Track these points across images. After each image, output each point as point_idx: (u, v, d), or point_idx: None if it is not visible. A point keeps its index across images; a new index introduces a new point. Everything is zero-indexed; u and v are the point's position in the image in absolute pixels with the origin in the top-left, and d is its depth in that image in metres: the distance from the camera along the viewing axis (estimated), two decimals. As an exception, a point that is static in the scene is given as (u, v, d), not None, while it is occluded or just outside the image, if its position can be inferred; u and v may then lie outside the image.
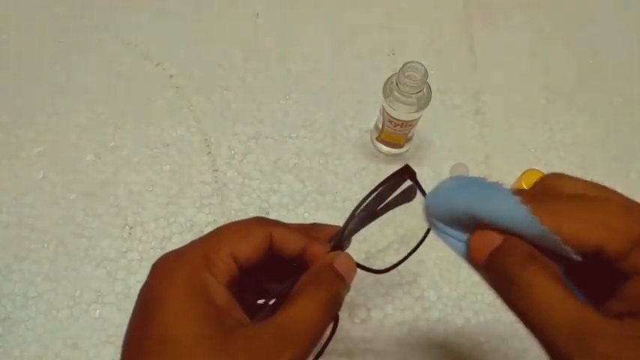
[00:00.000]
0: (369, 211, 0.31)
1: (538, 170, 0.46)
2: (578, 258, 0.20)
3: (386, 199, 0.32)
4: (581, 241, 0.20)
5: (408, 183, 0.33)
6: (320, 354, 0.29)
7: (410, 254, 0.33)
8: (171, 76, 0.52)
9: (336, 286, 0.24)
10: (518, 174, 0.46)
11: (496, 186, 0.22)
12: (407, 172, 0.32)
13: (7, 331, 0.40)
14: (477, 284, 0.43)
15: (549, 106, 0.52)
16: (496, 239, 0.21)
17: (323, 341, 0.27)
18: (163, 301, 0.21)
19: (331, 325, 0.28)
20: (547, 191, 0.22)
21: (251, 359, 0.20)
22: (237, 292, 0.24)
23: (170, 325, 0.20)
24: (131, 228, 0.45)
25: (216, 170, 0.47)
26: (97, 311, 0.41)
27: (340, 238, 0.28)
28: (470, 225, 0.23)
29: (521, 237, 0.21)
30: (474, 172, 0.48)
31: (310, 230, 0.27)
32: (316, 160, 0.48)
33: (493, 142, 0.50)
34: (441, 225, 0.24)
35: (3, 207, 0.45)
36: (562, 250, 0.20)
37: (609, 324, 0.18)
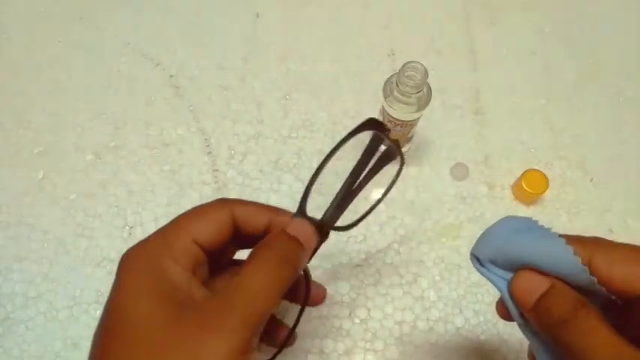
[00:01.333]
0: (352, 182, 0.32)
1: (538, 170, 0.46)
2: (619, 302, 0.22)
3: (366, 166, 0.32)
4: (632, 287, 0.21)
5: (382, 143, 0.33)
6: (296, 322, 0.30)
7: (373, 207, 0.33)
8: (171, 76, 0.52)
9: (287, 248, 0.25)
10: (519, 174, 0.46)
11: (549, 233, 0.24)
12: (371, 125, 0.32)
13: (7, 331, 0.40)
14: (477, 284, 0.43)
15: (549, 106, 0.52)
16: (543, 283, 0.23)
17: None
18: (123, 289, 0.23)
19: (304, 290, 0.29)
20: (598, 240, 0.23)
21: (200, 328, 0.21)
22: (210, 272, 0.25)
23: (128, 309, 0.22)
24: (131, 228, 0.45)
25: (216, 170, 0.47)
26: (97, 311, 0.41)
27: (304, 204, 0.29)
28: (510, 264, 0.24)
29: (565, 281, 0.23)
30: (474, 172, 0.48)
31: (275, 210, 0.28)
32: (316, 160, 0.48)
33: (493, 142, 0.50)
34: (486, 263, 0.25)
35: (3, 207, 0.45)
36: (604, 295, 0.22)
37: None
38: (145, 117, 0.50)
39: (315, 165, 0.49)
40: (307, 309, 0.41)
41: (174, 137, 0.49)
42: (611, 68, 0.54)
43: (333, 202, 0.31)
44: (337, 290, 0.42)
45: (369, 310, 0.42)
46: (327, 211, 0.30)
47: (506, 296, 0.25)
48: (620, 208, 0.47)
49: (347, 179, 0.31)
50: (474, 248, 0.26)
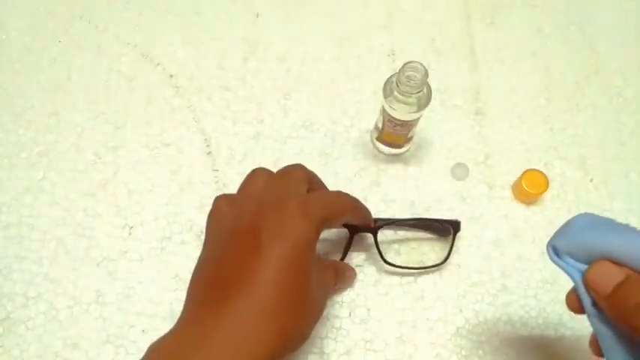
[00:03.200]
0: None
1: (538, 170, 0.46)
2: None
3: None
4: None
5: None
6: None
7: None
8: (171, 76, 0.52)
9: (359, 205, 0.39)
10: (519, 174, 0.46)
11: (629, 228, 0.25)
12: (453, 227, 0.43)
13: (7, 331, 0.40)
14: (477, 284, 0.43)
15: (549, 106, 0.52)
16: (620, 273, 0.25)
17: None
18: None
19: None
20: None
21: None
22: None
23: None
24: (131, 228, 0.45)
25: (216, 170, 0.47)
26: (97, 311, 0.41)
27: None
28: (588, 255, 0.26)
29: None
30: (474, 172, 0.48)
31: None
32: (316, 160, 0.48)
33: (493, 142, 0.50)
34: (562, 254, 0.27)
35: (3, 207, 0.45)
36: None
37: None
38: (145, 117, 0.50)
39: (315, 165, 0.49)
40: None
41: (174, 137, 0.49)
42: (611, 68, 0.54)
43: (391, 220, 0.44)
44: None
45: (369, 310, 0.42)
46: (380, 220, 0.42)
47: (581, 286, 0.26)
48: (620, 208, 0.47)
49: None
50: (552, 239, 0.28)
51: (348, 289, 0.42)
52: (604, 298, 0.25)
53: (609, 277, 0.25)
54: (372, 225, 0.41)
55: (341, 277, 0.40)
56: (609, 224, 0.27)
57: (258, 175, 0.35)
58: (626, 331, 0.24)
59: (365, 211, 0.39)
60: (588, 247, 0.26)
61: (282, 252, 0.29)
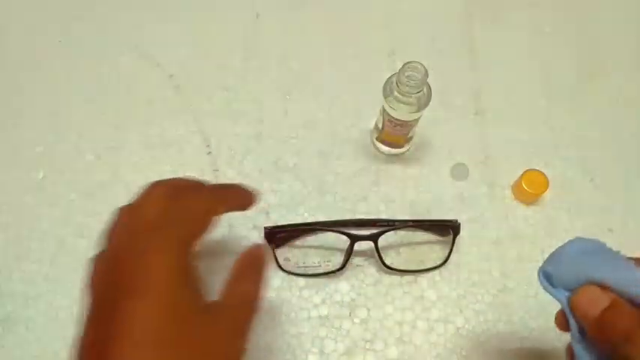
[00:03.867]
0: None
1: (538, 170, 0.46)
2: None
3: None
4: None
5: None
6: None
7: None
8: (171, 76, 0.52)
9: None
10: (519, 174, 0.46)
11: (618, 256, 0.26)
12: (453, 228, 0.43)
13: (7, 331, 0.40)
14: (477, 284, 0.43)
15: (549, 106, 0.52)
16: (606, 298, 0.25)
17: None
18: None
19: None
20: None
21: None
22: None
23: None
24: (131, 228, 0.44)
25: (216, 170, 0.47)
26: (97, 311, 0.41)
27: None
28: (577, 282, 0.27)
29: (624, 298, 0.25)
30: (474, 172, 0.48)
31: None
32: (316, 160, 0.48)
33: (493, 142, 0.50)
34: (554, 281, 0.28)
35: (3, 207, 0.45)
36: None
37: None
38: (145, 117, 0.50)
39: (315, 165, 0.49)
40: (307, 310, 0.41)
41: (174, 137, 0.49)
42: (611, 68, 0.54)
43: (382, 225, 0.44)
44: (337, 290, 0.42)
45: (369, 310, 0.42)
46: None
47: (569, 312, 0.27)
48: (620, 208, 0.47)
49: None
50: (543, 265, 0.29)
51: (348, 289, 0.42)
52: (590, 322, 0.25)
53: (595, 302, 0.25)
54: (253, 203, 0.34)
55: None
56: (598, 251, 0.27)
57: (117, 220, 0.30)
58: (610, 356, 0.25)
59: (236, 195, 0.33)
60: (576, 273, 0.27)
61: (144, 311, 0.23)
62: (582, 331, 0.27)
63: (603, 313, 0.25)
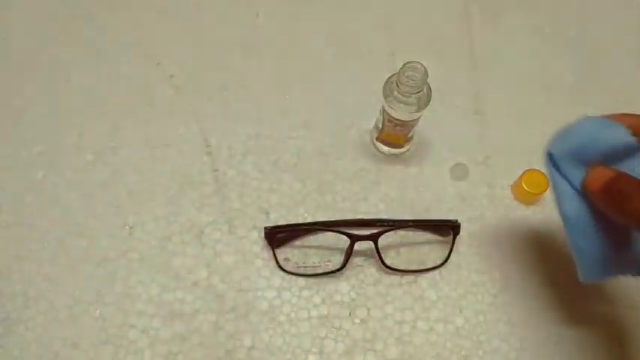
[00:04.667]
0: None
1: (538, 170, 0.46)
2: None
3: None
4: None
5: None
6: None
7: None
8: (171, 76, 0.52)
9: None
10: (519, 174, 0.46)
11: (610, 122, 0.31)
12: (453, 228, 0.43)
13: (7, 331, 0.40)
14: (477, 284, 0.43)
15: (549, 106, 0.52)
16: (609, 172, 0.29)
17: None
18: None
19: None
20: None
21: None
22: None
23: None
24: (131, 228, 0.45)
25: (216, 170, 0.47)
26: (97, 311, 0.41)
27: None
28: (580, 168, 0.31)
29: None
30: (474, 172, 0.48)
31: None
32: (316, 160, 0.48)
33: (493, 142, 0.50)
34: (559, 160, 0.32)
35: (3, 207, 0.45)
36: None
37: None
38: (145, 117, 0.50)
39: (315, 165, 0.49)
40: (307, 310, 0.41)
41: (174, 137, 0.49)
42: (611, 68, 0.54)
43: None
44: (337, 290, 0.42)
45: (369, 310, 0.42)
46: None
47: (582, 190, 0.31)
48: (620, 208, 0.47)
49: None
50: (550, 147, 0.32)
51: (348, 289, 0.42)
52: (598, 190, 0.29)
53: (601, 176, 0.29)
54: None
55: None
56: (596, 123, 0.31)
57: None
58: (613, 218, 0.29)
59: None
60: (581, 153, 0.31)
61: None
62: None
63: (610, 181, 0.29)
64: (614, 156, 0.30)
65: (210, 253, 0.44)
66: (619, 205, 0.28)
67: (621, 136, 0.30)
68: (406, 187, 0.47)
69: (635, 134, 0.30)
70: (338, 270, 0.42)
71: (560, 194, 0.32)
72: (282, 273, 0.43)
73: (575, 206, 0.31)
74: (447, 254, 0.43)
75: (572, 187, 0.31)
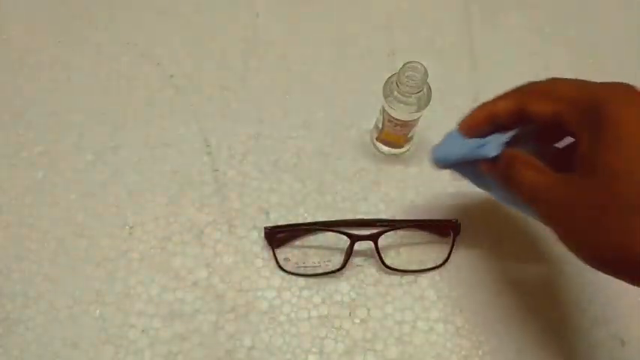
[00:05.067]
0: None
1: (538, 170, 0.45)
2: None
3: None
4: (544, 114, 0.31)
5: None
6: None
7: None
8: (171, 76, 0.52)
9: None
10: (518, 174, 0.46)
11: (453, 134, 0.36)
12: (453, 227, 0.43)
13: (7, 331, 0.40)
14: (477, 284, 0.43)
15: (549, 106, 0.52)
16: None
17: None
18: None
19: None
20: (525, 90, 0.33)
21: None
22: None
23: None
24: (131, 228, 0.45)
25: (216, 170, 0.47)
26: (97, 311, 0.41)
27: None
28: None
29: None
30: (474, 172, 0.48)
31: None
32: (316, 160, 0.48)
33: (493, 142, 0.50)
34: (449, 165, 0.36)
35: (3, 207, 0.45)
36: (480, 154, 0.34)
37: (557, 178, 0.28)
38: (145, 117, 0.50)
39: (315, 165, 0.49)
40: (307, 310, 0.41)
41: (174, 137, 0.49)
42: (611, 68, 0.54)
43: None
44: (337, 290, 0.42)
45: (369, 310, 0.42)
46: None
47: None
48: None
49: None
50: (433, 158, 0.37)
51: (348, 289, 0.42)
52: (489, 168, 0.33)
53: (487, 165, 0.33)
54: None
55: None
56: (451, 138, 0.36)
57: None
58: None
59: None
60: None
61: None
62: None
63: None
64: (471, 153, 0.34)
65: (210, 253, 0.44)
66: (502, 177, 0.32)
67: (464, 143, 0.35)
68: (406, 187, 0.47)
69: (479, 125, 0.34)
70: (338, 270, 0.42)
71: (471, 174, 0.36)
72: (282, 273, 0.43)
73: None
74: (447, 254, 0.43)
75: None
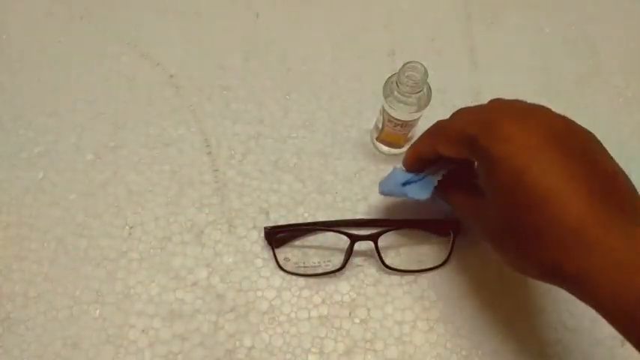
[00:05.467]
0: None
1: (538, 170, 0.45)
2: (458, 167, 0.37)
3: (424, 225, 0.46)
4: (450, 154, 0.33)
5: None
6: None
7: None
8: (171, 76, 0.52)
9: None
10: (518, 174, 0.46)
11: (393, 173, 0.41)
12: (453, 227, 0.44)
13: (7, 331, 0.40)
14: (477, 284, 0.43)
15: (549, 106, 0.52)
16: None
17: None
18: None
19: None
20: (434, 132, 0.36)
21: None
22: None
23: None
24: (131, 228, 0.45)
25: (216, 170, 0.47)
26: (97, 311, 0.41)
27: None
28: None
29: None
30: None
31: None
32: (316, 160, 0.48)
33: (493, 142, 0.50)
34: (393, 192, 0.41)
35: (3, 207, 0.45)
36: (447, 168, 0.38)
37: (474, 202, 0.34)
38: (145, 117, 0.50)
39: (315, 165, 0.49)
40: (307, 310, 0.41)
41: (174, 137, 0.49)
42: (611, 68, 0.54)
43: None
44: (337, 290, 0.42)
45: (369, 310, 0.42)
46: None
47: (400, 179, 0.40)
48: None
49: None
50: (381, 188, 0.42)
51: (348, 289, 0.42)
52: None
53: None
54: None
55: None
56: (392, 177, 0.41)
57: None
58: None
59: None
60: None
61: None
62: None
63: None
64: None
65: (210, 253, 0.44)
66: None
67: (400, 179, 0.40)
68: (406, 187, 0.47)
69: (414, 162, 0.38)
70: (338, 270, 0.42)
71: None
72: (282, 273, 0.43)
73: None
74: (447, 254, 0.43)
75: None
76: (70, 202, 0.46)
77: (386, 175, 0.42)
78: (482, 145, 0.30)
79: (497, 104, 0.32)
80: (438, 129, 0.35)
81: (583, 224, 0.26)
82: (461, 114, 0.34)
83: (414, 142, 0.38)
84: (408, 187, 0.39)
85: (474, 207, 0.34)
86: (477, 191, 0.34)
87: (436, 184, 0.37)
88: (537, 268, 0.29)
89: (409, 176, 0.39)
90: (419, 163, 0.38)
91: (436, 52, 0.55)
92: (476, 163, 0.33)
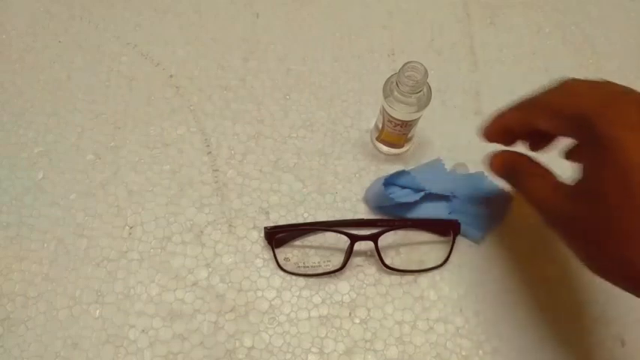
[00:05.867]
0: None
1: (538, 170, 0.46)
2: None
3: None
4: (548, 129, 0.31)
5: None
6: None
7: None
8: (171, 76, 0.52)
9: None
10: (518, 174, 0.46)
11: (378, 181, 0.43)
12: (453, 227, 0.44)
13: (7, 331, 0.40)
14: (477, 284, 0.43)
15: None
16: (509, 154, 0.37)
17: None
18: None
19: None
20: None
21: None
22: None
23: None
24: (131, 228, 0.45)
25: (216, 170, 0.47)
26: (97, 311, 0.41)
27: None
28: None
29: None
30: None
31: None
32: (316, 160, 0.48)
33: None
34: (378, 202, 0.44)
35: (3, 207, 0.45)
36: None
37: (561, 193, 0.30)
38: (145, 117, 0.50)
39: (315, 165, 0.49)
40: (307, 310, 0.41)
41: (174, 137, 0.49)
42: (611, 68, 0.54)
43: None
44: (337, 290, 0.42)
45: (369, 310, 0.42)
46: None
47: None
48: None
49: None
50: (370, 202, 0.45)
51: (348, 289, 0.42)
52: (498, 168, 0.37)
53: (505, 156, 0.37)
54: None
55: None
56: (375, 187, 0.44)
57: None
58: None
59: None
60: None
61: None
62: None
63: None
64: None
65: (210, 253, 0.44)
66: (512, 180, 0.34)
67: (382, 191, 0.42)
68: (406, 187, 0.47)
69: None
70: (338, 270, 0.42)
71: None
72: (282, 273, 0.43)
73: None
74: (447, 254, 0.43)
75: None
76: (70, 202, 0.46)
77: (376, 184, 0.44)
78: (600, 129, 0.26)
79: (617, 86, 0.28)
80: (539, 99, 0.31)
81: None
82: (572, 86, 0.30)
83: (501, 112, 0.34)
84: (393, 190, 0.42)
85: (555, 194, 0.30)
86: (553, 175, 0.32)
87: (420, 196, 0.42)
88: (631, 273, 0.25)
89: (394, 188, 0.43)
90: (504, 136, 0.34)
91: (436, 52, 0.55)
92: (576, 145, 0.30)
